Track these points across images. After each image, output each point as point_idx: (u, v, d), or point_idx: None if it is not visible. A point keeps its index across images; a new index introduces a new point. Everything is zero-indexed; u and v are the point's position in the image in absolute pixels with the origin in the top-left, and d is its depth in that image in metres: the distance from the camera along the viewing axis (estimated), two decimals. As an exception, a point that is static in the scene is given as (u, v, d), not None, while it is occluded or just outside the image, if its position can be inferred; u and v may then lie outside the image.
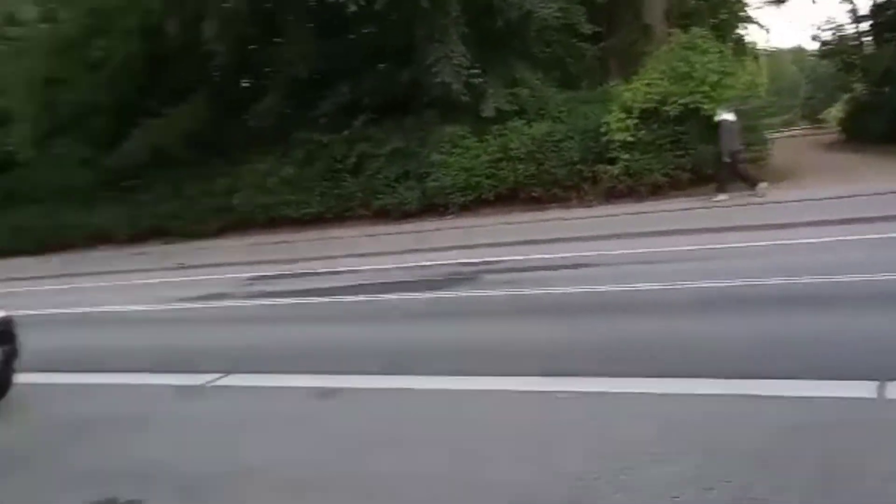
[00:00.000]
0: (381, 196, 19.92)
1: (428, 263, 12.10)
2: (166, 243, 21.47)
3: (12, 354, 7.24)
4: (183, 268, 16.17)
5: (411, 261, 12.73)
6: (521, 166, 18.66)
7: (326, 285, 11.64)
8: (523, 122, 19.34)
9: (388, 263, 12.82)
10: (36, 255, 23.63)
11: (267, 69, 22.81)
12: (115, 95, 22.80)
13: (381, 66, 21.08)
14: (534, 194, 18.58)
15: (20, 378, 7.55)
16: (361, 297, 10.48)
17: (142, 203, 23.08)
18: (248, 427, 5.93)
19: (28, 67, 24.28)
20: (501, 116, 19.50)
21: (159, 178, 22.89)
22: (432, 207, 19.30)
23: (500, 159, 18.93)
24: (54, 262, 21.56)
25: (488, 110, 19.41)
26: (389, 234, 17.00)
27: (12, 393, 7.45)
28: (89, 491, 4.93)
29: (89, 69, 23.01)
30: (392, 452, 5.04)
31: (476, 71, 19.31)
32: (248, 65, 23.07)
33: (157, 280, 14.86)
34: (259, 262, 15.09)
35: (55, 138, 24.40)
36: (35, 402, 7.42)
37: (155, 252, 20.05)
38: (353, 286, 11.27)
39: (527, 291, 9.32)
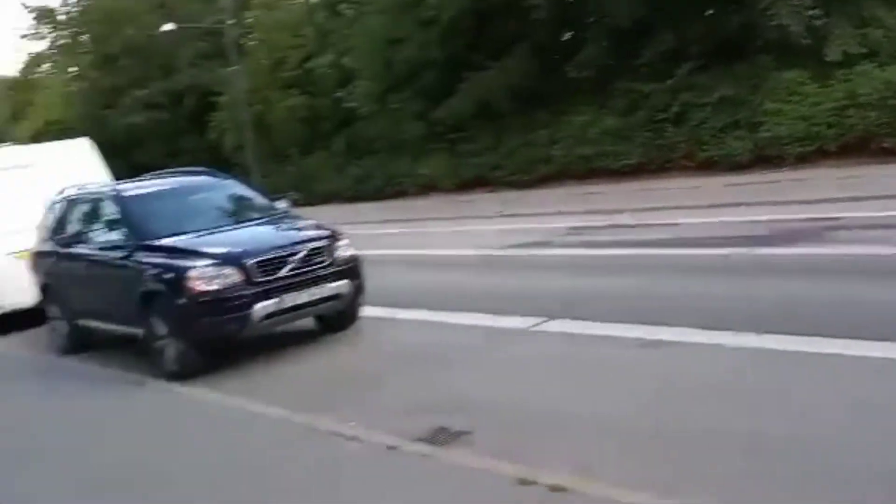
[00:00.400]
0: (706, 147, 18.82)
1: (759, 218, 11.21)
2: (490, 192, 22.33)
3: (358, 289, 7.97)
4: (504, 216, 16.68)
5: (739, 215, 11.90)
6: (871, 114, 16.53)
7: (647, 237, 11.29)
8: (874, 65, 17.10)
9: (713, 217, 12.09)
10: (373, 201, 25.88)
11: (588, 20, 22.53)
12: (446, 52, 23.95)
13: (709, 11, 19.80)
14: (885, 145, 16.41)
15: (365, 311, 8.31)
16: (683, 251, 10.01)
17: (466, 154, 24.17)
18: (571, 371, 5.95)
19: (371, 28, 26.39)
20: (848, 60, 17.40)
21: (483, 130, 23.78)
22: (764, 159, 17.82)
23: (846, 107, 16.92)
24: (390, 208, 23.42)
25: (834, 54, 17.40)
26: (716, 186, 16.02)
27: (358, 324, 8.22)
28: (424, 417, 5.26)
29: (423, 27, 24.39)
30: (715, 407, 4.78)
31: (818, 11, 17.39)
32: (568, 17, 22.96)
33: (481, 227, 15.49)
34: (579, 213, 15.07)
35: (392, 94, 26.36)
36: (377, 333, 8.12)
37: (479, 201, 20.94)
38: (675, 239, 10.81)
39: (886, 251, 8.20)
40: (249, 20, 35.44)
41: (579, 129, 21.08)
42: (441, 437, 4.90)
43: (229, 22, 31.60)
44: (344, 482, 4.45)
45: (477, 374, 6.20)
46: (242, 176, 16.50)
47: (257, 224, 8.44)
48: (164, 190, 9.00)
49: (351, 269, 7.85)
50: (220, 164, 24.18)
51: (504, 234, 13.61)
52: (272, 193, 10.16)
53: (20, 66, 58.81)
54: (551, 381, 5.75)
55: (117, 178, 10.90)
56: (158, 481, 4.87)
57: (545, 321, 7.29)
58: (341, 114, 29.67)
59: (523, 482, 4.01)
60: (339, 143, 30.21)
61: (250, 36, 34.76)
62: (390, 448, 4.73)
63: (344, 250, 7.86)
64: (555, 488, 3.90)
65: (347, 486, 4.37)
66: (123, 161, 25.37)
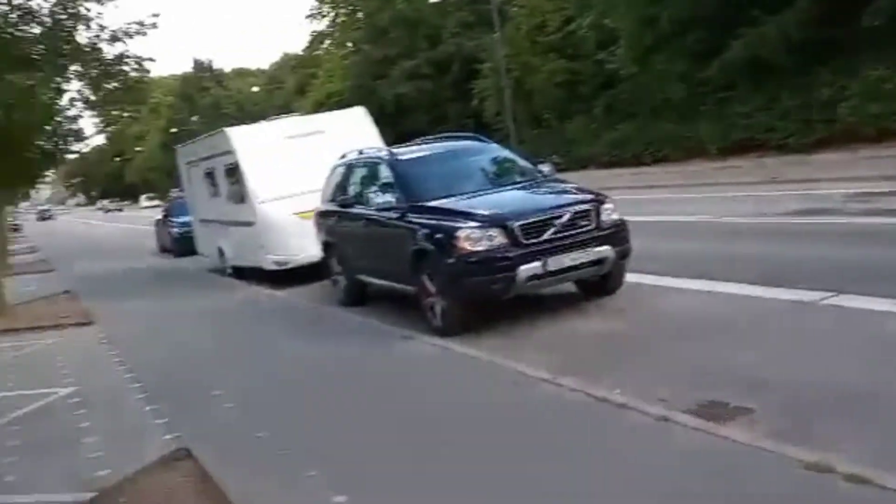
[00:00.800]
0: None
1: None
2: (760, 156, 20.83)
3: (623, 254, 7.75)
4: (778, 181, 15.48)
5: None
6: None
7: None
8: None
9: None
10: (632, 167, 25.18)
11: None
12: (715, 6, 22.52)
13: None
14: None
15: (629, 277, 8.08)
16: None
17: (735, 115, 22.67)
18: (866, 350, 5.37)
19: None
20: None
21: (755, 90, 22.15)
22: None
23: None
24: (651, 173, 22.67)
25: None
26: None
27: (622, 290, 8.01)
28: (696, 390, 5.00)
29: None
30: None
31: None
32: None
33: (753, 193, 14.51)
34: (866, 178, 13.53)
35: (655, 54, 25.31)
36: (642, 300, 7.85)
37: (749, 165, 19.60)
38: None
39: None
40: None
41: (873, 85, 18.87)
42: (717, 411, 4.62)
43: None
44: (612, 450, 4.33)
45: (756, 348, 5.76)
46: (502, 141, 16.71)
47: (522, 187, 8.49)
48: (435, 154, 9.33)
49: (616, 234, 7.65)
50: (482, 130, 24.74)
51: (779, 200, 12.64)
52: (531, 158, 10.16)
53: (304, 44, 64.56)
54: (843, 361, 5.21)
55: (387, 145, 11.49)
56: (422, 429, 5.06)
57: (834, 295, 6.63)
58: (601, 77, 29.17)
59: (814, 468, 3.66)
60: (598, 107, 29.74)
61: (513, 2, 35.07)
62: (661, 419, 4.53)
63: (609, 214, 7.67)
64: (851, 478, 3.51)
65: (617, 455, 4.25)
66: (391, 128, 26.80)
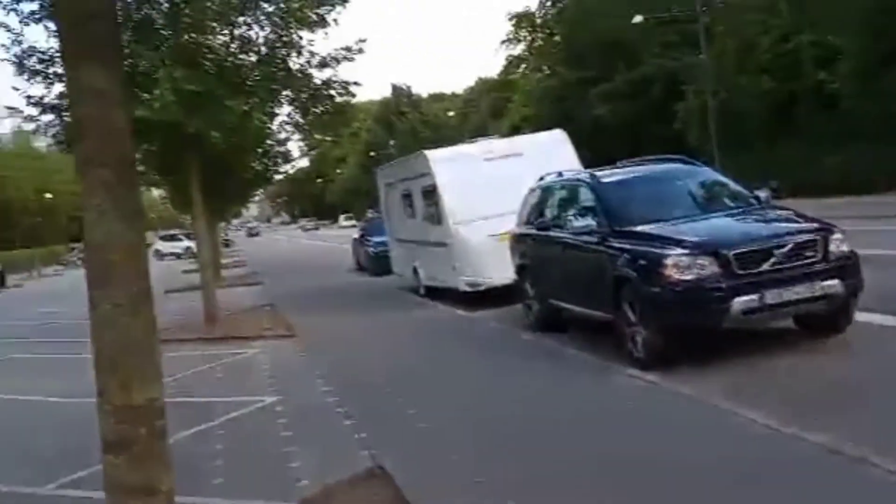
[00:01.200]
0: None
1: None
2: None
3: (854, 290, 6.96)
4: None
5: None
6: None
7: None
8: None
9: None
10: (857, 195, 23.03)
11: None
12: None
13: None
14: None
15: (859, 316, 7.24)
16: None
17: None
18: None
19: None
20: None
21: None
22: None
23: None
24: (885, 202, 20.60)
25: None
26: None
27: (851, 329, 7.19)
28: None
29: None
30: None
31: None
32: None
33: None
34: None
35: (886, 69, 22.96)
36: (875, 342, 7.02)
37: None
38: None
39: None
40: (720, 4, 34.27)
41: None
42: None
43: (702, 8, 30.69)
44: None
45: None
46: (707, 165, 15.82)
47: (736, 214, 7.88)
48: (639, 177, 8.92)
49: (846, 267, 6.88)
50: (683, 153, 23.66)
51: None
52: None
53: (499, 68, 65.67)
54: None
55: (584, 168, 11.16)
56: (630, 469, 4.66)
57: None
58: (819, 97, 27.11)
59: None
60: (816, 129, 27.55)
61: (720, 21, 33.58)
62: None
63: (838, 245, 6.92)
64: None
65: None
66: (588, 151, 26.22)
